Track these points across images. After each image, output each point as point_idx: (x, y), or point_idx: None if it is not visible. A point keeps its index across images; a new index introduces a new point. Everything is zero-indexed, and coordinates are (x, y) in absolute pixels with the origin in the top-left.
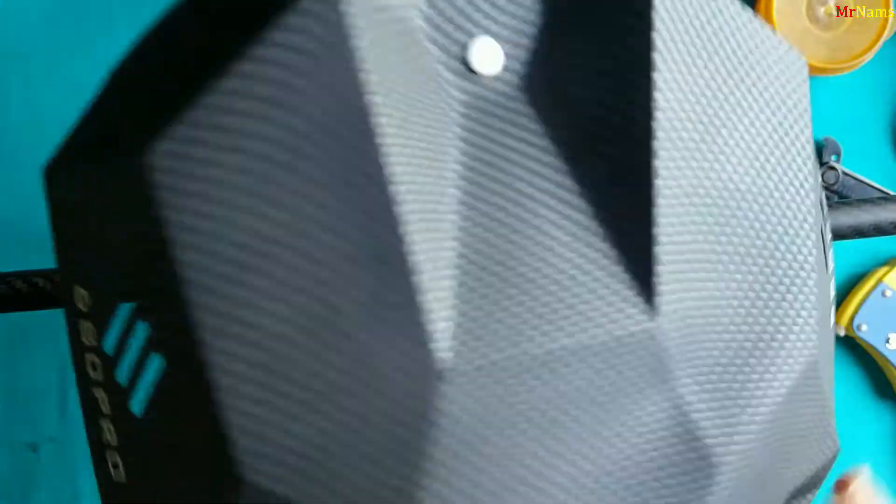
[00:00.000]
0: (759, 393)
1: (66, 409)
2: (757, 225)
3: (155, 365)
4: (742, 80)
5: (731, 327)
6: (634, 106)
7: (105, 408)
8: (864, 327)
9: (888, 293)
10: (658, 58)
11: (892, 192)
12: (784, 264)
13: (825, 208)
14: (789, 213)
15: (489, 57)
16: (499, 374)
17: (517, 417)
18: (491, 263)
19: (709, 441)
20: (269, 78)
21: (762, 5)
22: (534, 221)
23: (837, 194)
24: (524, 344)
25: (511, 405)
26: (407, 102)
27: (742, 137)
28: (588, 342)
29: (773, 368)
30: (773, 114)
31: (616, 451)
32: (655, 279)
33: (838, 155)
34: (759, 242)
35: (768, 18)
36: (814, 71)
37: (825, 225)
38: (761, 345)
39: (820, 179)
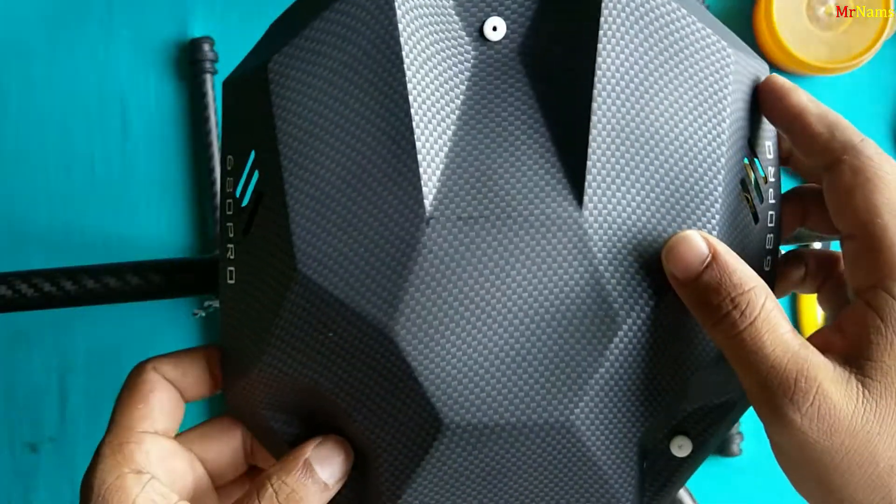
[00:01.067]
0: (660, 278)
1: (66, 409)
2: (672, 161)
3: (258, 198)
4: (671, 59)
5: (644, 229)
6: (584, 67)
7: (231, 234)
8: None
9: None
10: (602, 34)
11: None
12: (692, 194)
13: (767, 177)
14: (700, 158)
15: (495, 28)
16: (464, 227)
17: (473, 258)
18: (472, 157)
19: (615, 305)
20: (341, 24)
21: (762, 5)
22: (508, 136)
23: None
24: (485, 209)
25: (470, 248)
26: (430, 51)
27: (666, 98)
28: (530, 217)
29: None
30: (694, 85)
31: (543, 298)
32: (586, 185)
33: None
34: (672, 174)
35: (768, 18)
36: (814, 71)
37: (764, 188)
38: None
39: (771, 154)
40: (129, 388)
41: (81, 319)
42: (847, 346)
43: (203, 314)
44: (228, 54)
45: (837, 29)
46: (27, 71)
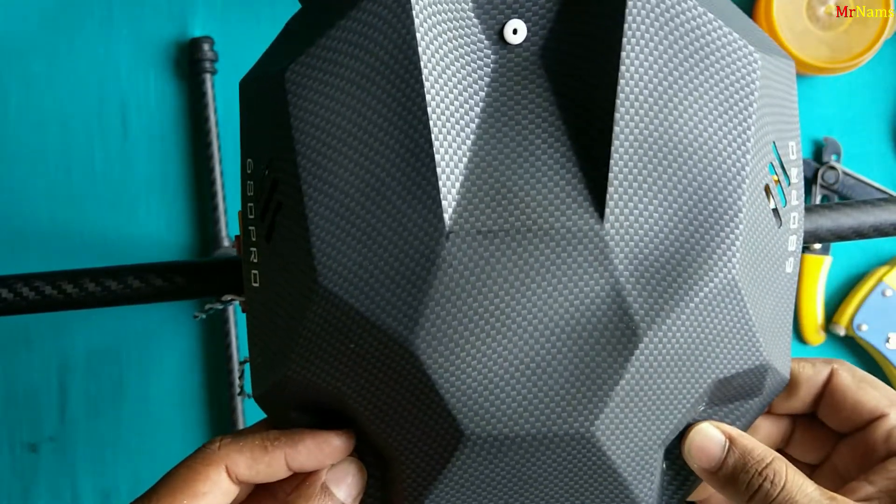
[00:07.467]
0: (682, 291)
1: (66, 409)
2: (695, 172)
3: (278, 207)
4: (696, 65)
5: (665, 241)
6: (608, 74)
7: (253, 238)
8: (864, 327)
9: (888, 293)
10: (625, 40)
11: (892, 192)
12: (714, 205)
13: (790, 179)
14: (724, 168)
15: (516, 31)
16: (484, 240)
17: (493, 272)
18: (492, 167)
19: (636, 318)
20: (357, 32)
21: (762, 5)
22: (529, 145)
23: (837, 194)
24: (505, 222)
25: (490, 262)
26: (449, 58)
27: (691, 107)
28: (551, 231)
29: (695, 276)
30: (720, 93)
31: (563, 311)
32: (607, 197)
33: (838, 155)
34: (695, 185)
35: (768, 18)
36: (814, 71)
37: (787, 190)
38: (688, 258)
39: (794, 155)
40: (187, 472)
41: (81, 320)
42: (878, 492)
43: (203, 316)
44: (228, 54)
45: (837, 29)
46: (27, 71)
